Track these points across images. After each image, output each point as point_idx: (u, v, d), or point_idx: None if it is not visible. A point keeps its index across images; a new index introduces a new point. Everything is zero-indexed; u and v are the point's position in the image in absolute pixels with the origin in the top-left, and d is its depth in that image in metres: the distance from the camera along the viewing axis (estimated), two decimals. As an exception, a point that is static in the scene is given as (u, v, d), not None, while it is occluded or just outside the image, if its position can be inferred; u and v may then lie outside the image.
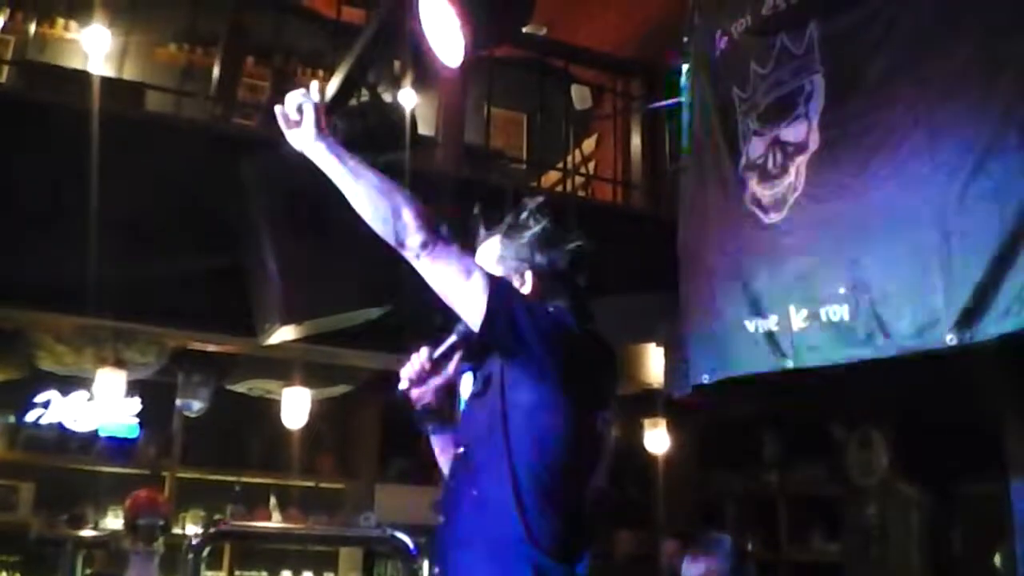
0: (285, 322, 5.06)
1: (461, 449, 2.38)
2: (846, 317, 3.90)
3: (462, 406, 2.59)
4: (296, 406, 6.68)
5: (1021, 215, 3.48)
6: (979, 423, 5.33)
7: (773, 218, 4.35)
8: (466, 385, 2.62)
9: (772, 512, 7.54)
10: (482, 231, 2.57)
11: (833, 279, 3.97)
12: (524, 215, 2.52)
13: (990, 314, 3.52)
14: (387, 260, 5.06)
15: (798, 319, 4.07)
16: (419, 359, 2.46)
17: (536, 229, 2.51)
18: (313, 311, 5.09)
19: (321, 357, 6.17)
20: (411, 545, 4.57)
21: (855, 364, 3.99)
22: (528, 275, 2.47)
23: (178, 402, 6.90)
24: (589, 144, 8.46)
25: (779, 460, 7.62)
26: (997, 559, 5.85)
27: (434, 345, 2.47)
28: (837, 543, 7.02)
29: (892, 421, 6.50)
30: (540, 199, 2.59)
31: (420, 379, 2.47)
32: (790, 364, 4.09)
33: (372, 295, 5.16)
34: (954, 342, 3.57)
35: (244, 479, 7.61)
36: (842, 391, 5.50)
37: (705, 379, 4.58)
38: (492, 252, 2.51)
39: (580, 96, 8.10)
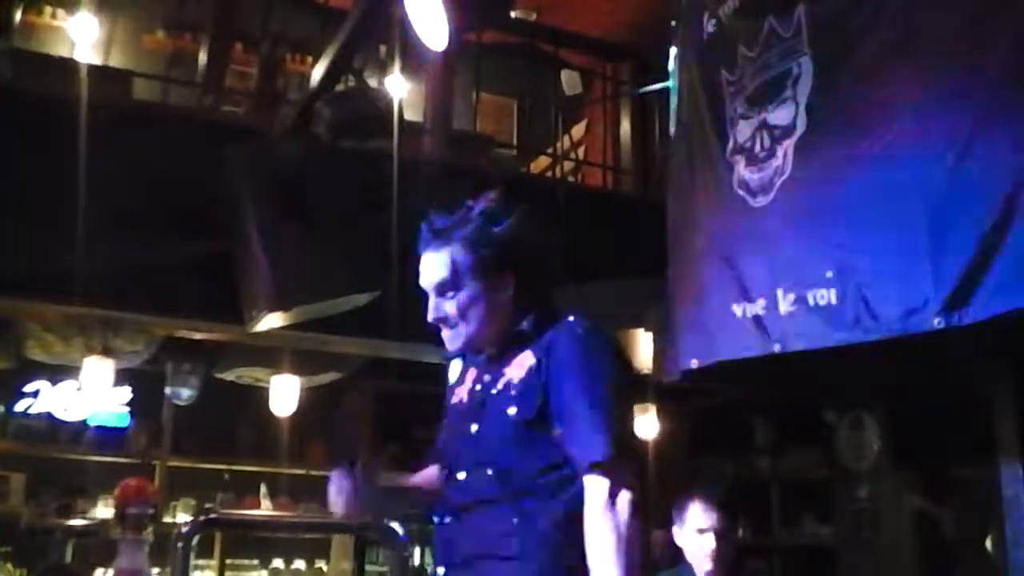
0: (273, 309, 5.06)
1: (490, 472, 2.29)
2: (833, 301, 3.88)
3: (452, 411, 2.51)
4: (285, 393, 6.66)
5: (1009, 198, 3.47)
6: (970, 406, 5.33)
7: (760, 202, 4.33)
8: (455, 373, 2.55)
9: (764, 497, 7.54)
10: (429, 235, 2.39)
11: (820, 263, 3.95)
12: (484, 210, 2.36)
13: (978, 297, 3.51)
14: (374, 246, 5.08)
15: (785, 303, 4.05)
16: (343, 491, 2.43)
17: (510, 226, 2.36)
18: (300, 297, 5.08)
19: (309, 344, 6.16)
20: (401, 532, 4.54)
21: (845, 347, 3.98)
22: (510, 280, 2.37)
23: (167, 391, 6.89)
24: (579, 130, 8.44)
25: (770, 445, 7.62)
26: (988, 543, 5.85)
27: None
28: (829, 527, 7.02)
29: (884, 405, 6.49)
30: (492, 193, 2.41)
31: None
32: (778, 348, 4.07)
33: (359, 281, 5.15)
34: (942, 325, 3.56)
35: (234, 467, 7.60)
36: (833, 375, 5.48)
37: (693, 364, 4.57)
38: (459, 264, 2.34)
39: (570, 81, 8.07)
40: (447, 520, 2.35)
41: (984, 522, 5.88)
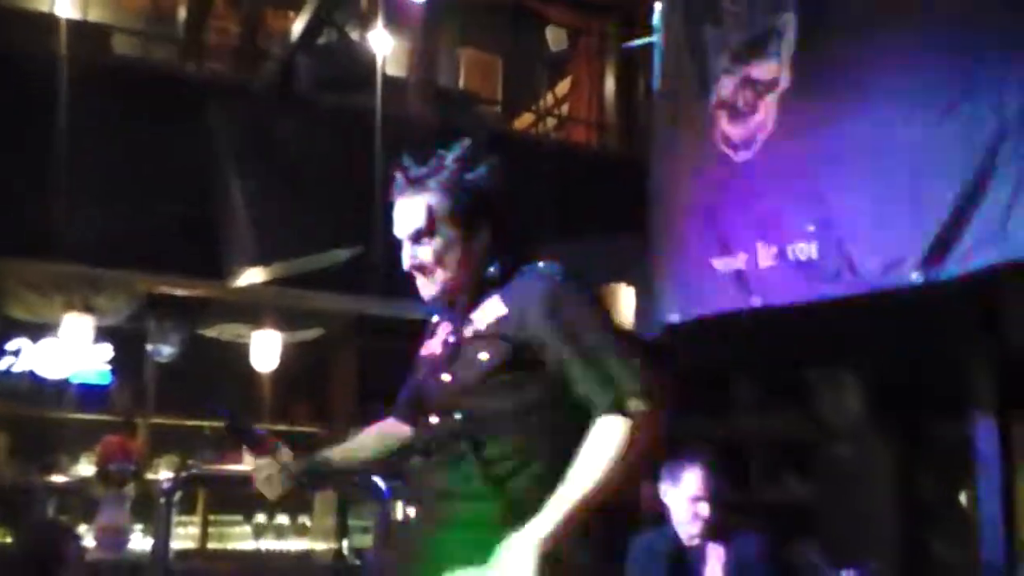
0: (254, 263, 5.06)
1: (459, 416, 2.29)
2: (814, 255, 3.89)
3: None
4: (266, 349, 6.66)
5: (989, 155, 3.50)
6: (950, 366, 5.36)
7: (742, 156, 4.33)
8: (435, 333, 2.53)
9: (745, 455, 7.58)
10: (403, 183, 2.35)
11: (801, 217, 3.96)
12: (459, 158, 2.33)
13: (956, 252, 3.54)
14: (357, 202, 5.07)
15: (766, 257, 4.06)
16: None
17: (485, 173, 2.33)
18: (282, 252, 5.08)
19: (291, 300, 6.16)
20: (384, 488, 4.57)
21: (827, 306, 3.99)
22: (485, 228, 2.35)
23: (149, 348, 6.88)
24: (563, 86, 8.40)
25: (752, 404, 7.65)
26: (963, 498, 5.91)
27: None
28: (809, 485, 7.07)
29: (865, 365, 6.52)
30: (467, 141, 2.37)
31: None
32: (758, 302, 4.09)
33: (341, 237, 5.15)
34: (920, 280, 3.59)
35: (217, 424, 7.59)
36: (815, 335, 5.51)
37: (675, 318, 4.58)
38: (434, 210, 2.30)
39: (555, 38, 8.02)
40: (417, 460, 2.37)
41: (962, 479, 5.92)
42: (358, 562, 5.83)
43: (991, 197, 3.48)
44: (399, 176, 2.36)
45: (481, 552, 2.18)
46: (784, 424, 7.34)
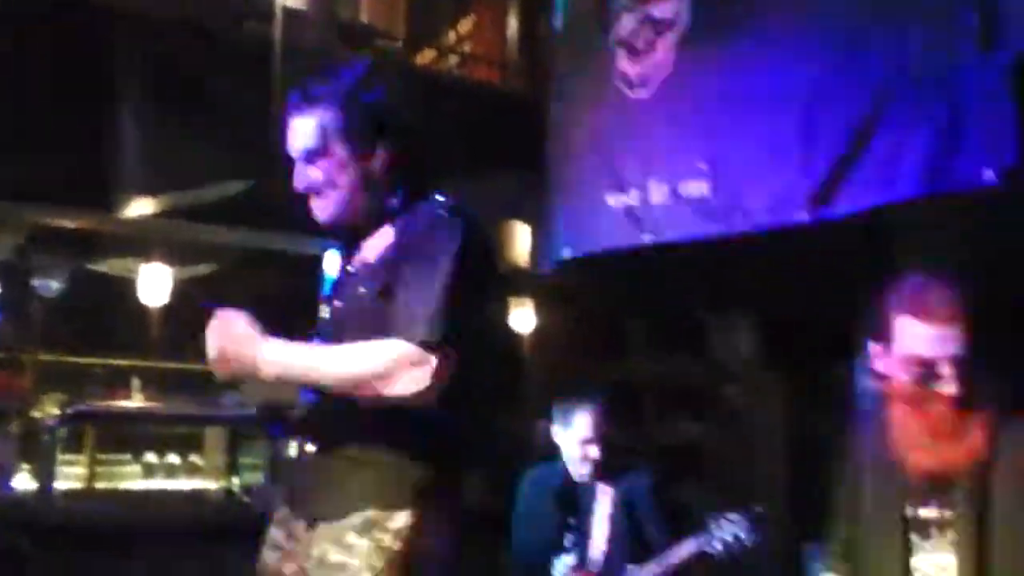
0: (144, 194, 4.94)
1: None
2: (705, 192, 3.94)
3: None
4: (156, 284, 6.51)
5: (880, 96, 3.57)
6: (840, 306, 5.47)
7: (639, 94, 4.35)
8: (333, 262, 2.49)
9: (638, 396, 7.68)
10: (299, 100, 2.29)
11: (693, 155, 4.01)
12: (356, 77, 2.29)
13: (844, 192, 3.62)
14: (252, 133, 4.96)
15: (658, 194, 4.11)
16: None
17: (382, 95, 2.31)
18: (173, 183, 4.98)
19: (182, 233, 6.02)
20: (276, 424, 4.52)
21: (719, 248, 4.04)
22: (381, 151, 2.29)
23: (35, 283, 6.68)
24: (467, 24, 8.33)
25: (646, 346, 7.74)
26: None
27: None
28: (701, 426, 7.19)
29: (756, 307, 6.63)
30: (367, 61, 2.39)
31: None
32: (648, 239, 4.13)
33: (236, 168, 5.05)
34: (808, 218, 3.65)
35: (107, 361, 7.42)
36: (707, 277, 5.58)
37: (567, 253, 4.61)
38: (327, 128, 2.26)
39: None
40: (311, 397, 2.33)
41: (848, 421, 6.07)
42: (248, 499, 5.79)
43: (881, 137, 3.55)
44: (294, 94, 2.30)
45: (373, 486, 2.16)
46: (676, 365, 7.45)
